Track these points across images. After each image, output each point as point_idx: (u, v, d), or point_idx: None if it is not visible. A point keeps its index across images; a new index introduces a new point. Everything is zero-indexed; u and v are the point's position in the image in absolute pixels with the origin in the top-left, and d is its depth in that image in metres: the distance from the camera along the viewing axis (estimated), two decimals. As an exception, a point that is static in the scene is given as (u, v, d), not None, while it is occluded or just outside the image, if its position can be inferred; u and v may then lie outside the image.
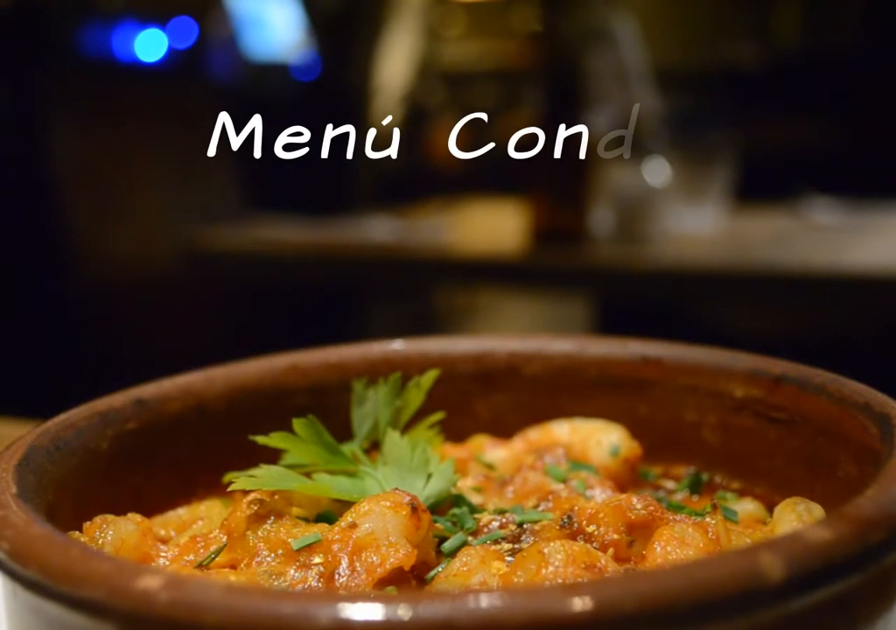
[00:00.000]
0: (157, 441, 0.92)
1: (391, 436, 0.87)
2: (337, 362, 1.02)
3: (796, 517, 0.69)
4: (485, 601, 0.47)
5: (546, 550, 0.62)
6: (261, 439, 0.83)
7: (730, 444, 0.91)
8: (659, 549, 0.66)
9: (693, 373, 0.92)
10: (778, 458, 0.86)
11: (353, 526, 0.68)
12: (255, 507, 0.74)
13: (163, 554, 0.76)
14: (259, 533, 0.72)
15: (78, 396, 0.93)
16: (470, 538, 0.77)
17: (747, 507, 0.83)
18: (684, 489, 0.92)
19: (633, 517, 0.70)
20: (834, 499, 0.63)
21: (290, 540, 0.70)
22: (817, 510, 0.71)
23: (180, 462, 0.94)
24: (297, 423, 0.84)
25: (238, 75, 5.62)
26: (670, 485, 0.94)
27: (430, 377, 0.92)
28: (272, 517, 0.73)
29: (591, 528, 0.71)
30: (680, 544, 0.66)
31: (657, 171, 3.61)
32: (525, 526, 0.77)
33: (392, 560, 0.65)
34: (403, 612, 0.48)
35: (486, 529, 0.78)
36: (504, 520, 0.79)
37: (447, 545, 0.74)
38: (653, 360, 0.95)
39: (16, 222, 4.21)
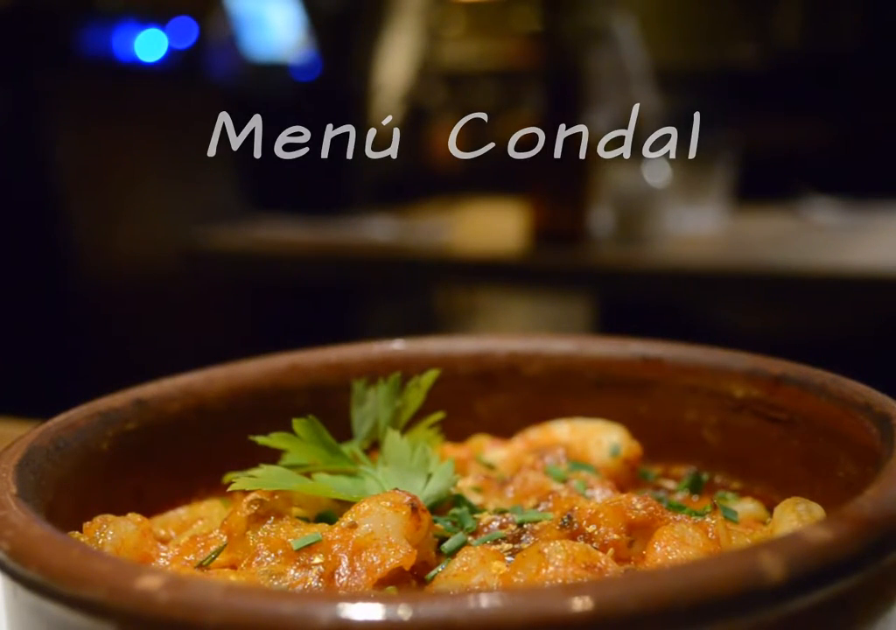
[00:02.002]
0: (157, 441, 0.92)
1: (391, 436, 0.87)
2: (337, 362, 1.02)
3: (796, 517, 0.69)
4: (485, 601, 0.47)
5: (546, 550, 0.62)
6: (261, 439, 0.83)
7: (730, 444, 0.91)
8: (659, 549, 0.66)
9: (693, 373, 0.92)
10: (778, 458, 0.86)
11: (353, 526, 0.68)
12: (255, 507, 0.74)
13: (163, 554, 0.76)
14: (259, 533, 0.72)
15: (78, 396, 0.93)
16: (470, 538, 0.77)
17: (747, 507, 0.83)
18: (684, 489, 0.92)
19: (633, 517, 0.70)
20: (834, 499, 0.63)
21: (290, 540, 0.70)
22: (817, 510, 0.71)
23: (180, 462, 0.94)
24: (297, 424, 0.84)
25: (238, 75, 5.62)
26: (670, 485, 0.94)
27: (430, 377, 0.92)
28: (272, 517, 0.73)
29: (591, 528, 0.70)
30: (680, 544, 0.66)
31: (657, 171, 3.61)
32: (525, 526, 0.77)
33: (392, 560, 0.65)
34: (403, 612, 0.48)
35: (486, 529, 0.78)
36: (504, 520, 0.79)
37: (447, 545, 0.74)
38: (653, 360, 0.95)
39: (16, 222, 4.21)
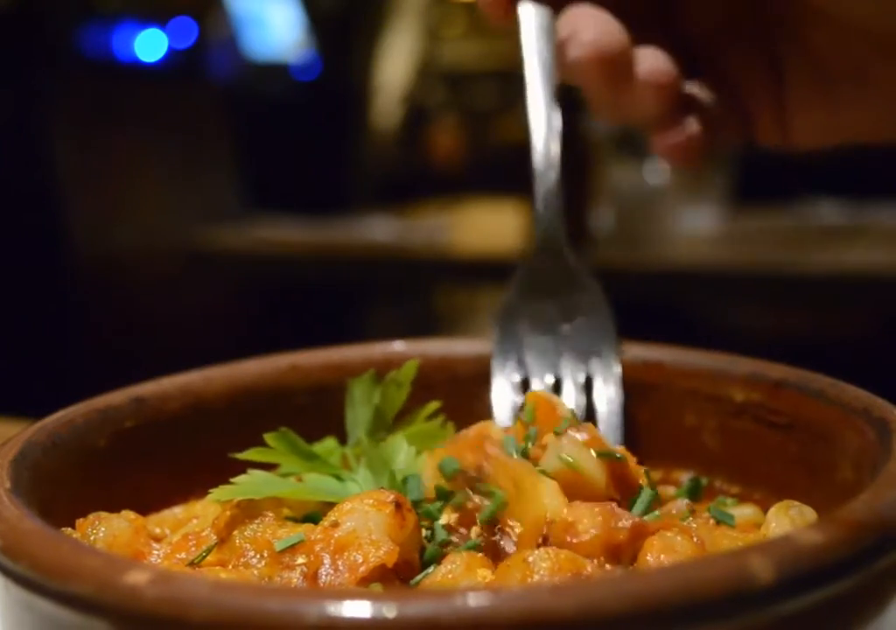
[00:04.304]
0: (155, 439, 0.91)
1: (366, 439, 0.86)
2: (338, 363, 1.01)
3: (789, 521, 0.69)
4: (473, 600, 0.47)
5: (531, 559, 0.61)
6: (239, 455, 0.83)
7: (729, 448, 0.91)
8: (651, 559, 0.65)
9: (693, 377, 0.92)
10: (777, 463, 0.86)
11: (336, 525, 0.67)
12: (242, 508, 0.74)
13: (155, 551, 0.76)
14: (246, 533, 0.71)
15: (77, 396, 0.93)
16: (455, 538, 0.75)
17: (746, 512, 0.83)
18: (683, 494, 0.91)
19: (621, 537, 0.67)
20: (832, 504, 0.63)
21: (274, 541, 0.70)
22: (810, 513, 0.70)
23: (178, 461, 0.94)
24: (269, 438, 0.83)
25: (238, 75, 5.62)
26: (670, 490, 0.94)
27: (408, 370, 0.91)
28: (259, 518, 0.73)
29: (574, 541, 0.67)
30: (671, 553, 0.65)
31: (657, 171, 3.61)
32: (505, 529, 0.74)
33: (373, 558, 0.64)
34: (391, 609, 0.48)
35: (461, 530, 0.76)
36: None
37: (428, 554, 0.73)
38: (653, 363, 0.95)
39: (16, 222, 4.21)
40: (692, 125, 1.06)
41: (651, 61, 1.02)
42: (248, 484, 0.77)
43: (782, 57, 1.10)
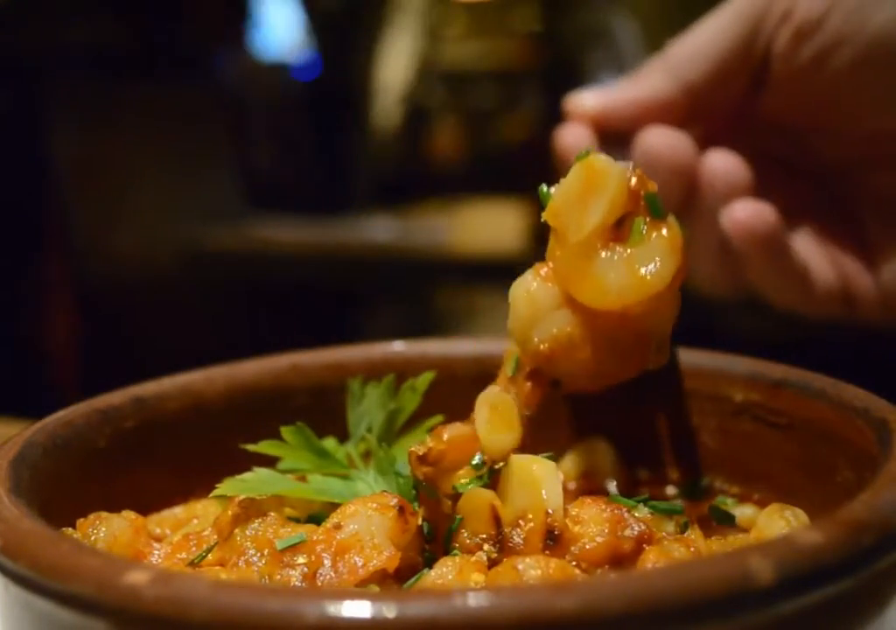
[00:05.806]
0: (155, 439, 0.92)
1: (379, 444, 0.86)
2: (337, 363, 1.02)
3: (784, 524, 0.69)
4: (473, 600, 0.47)
5: (521, 567, 0.61)
6: (251, 447, 0.83)
7: (729, 448, 0.91)
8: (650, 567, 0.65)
9: (693, 376, 0.92)
10: (777, 463, 0.86)
11: (338, 527, 0.68)
12: (245, 507, 0.74)
13: (156, 551, 0.76)
14: (247, 532, 0.71)
15: (77, 396, 0.93)
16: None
17: (746, 512, 0.83)
18: (683, 495, 0.91)
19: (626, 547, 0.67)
20: (832, 504, 0.63)
21: (275, 540, 0.70)
22: (803, 516, 0.70)
23: (178, 461, 0.94)
24: (286, 431, 0.84)
25: (238, 75, 5.62)
26: (670, 490, 0.94)
27: (425, 379, 0.92)
28: (261, 517, 0.73)
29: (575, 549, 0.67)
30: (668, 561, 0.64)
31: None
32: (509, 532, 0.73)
33: (375, 562, 0.65)
34: (390, 610, 0.48)
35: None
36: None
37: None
38: (653, 363, 0.95)
39: (16, 222, 4.21)
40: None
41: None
42: (255, 481, 0.77)
43: (858, 210, 1.18)
